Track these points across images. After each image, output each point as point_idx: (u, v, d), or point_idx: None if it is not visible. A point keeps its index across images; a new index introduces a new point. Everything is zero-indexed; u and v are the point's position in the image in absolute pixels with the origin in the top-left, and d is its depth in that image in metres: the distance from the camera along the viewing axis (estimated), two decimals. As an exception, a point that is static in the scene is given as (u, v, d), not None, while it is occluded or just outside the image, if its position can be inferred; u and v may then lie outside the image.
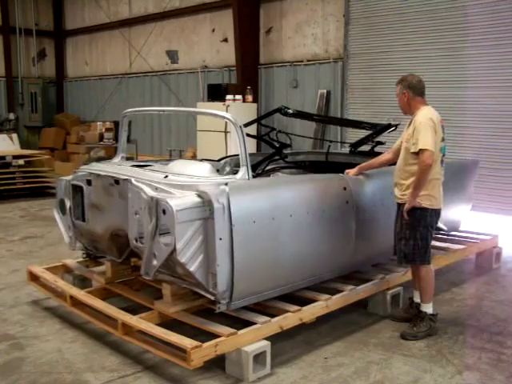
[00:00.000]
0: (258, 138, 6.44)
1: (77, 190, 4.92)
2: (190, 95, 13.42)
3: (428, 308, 4.63)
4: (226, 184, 3.95)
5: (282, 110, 6.27)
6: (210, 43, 12.97)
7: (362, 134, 9.77)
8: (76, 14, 17.45)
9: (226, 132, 10.41)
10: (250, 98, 11.08)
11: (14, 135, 13.06)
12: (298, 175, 5.81)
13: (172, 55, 14.06)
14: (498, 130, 8.15)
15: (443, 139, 4.57)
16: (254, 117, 11.17)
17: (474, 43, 8.31)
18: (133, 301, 4.76)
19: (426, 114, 4.45)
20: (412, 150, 4.42)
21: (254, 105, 11.25)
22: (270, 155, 6.20)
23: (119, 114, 5.62)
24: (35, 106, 17.45)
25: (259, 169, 6.23)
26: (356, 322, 4.87)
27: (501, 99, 8.09)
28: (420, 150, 4.33)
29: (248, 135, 4.63)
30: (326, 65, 10.62)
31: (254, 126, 11.04)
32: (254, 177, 4.46)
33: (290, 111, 6.26)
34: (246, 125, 4.23)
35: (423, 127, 4.36)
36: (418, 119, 4.46)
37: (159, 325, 4.09)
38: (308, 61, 10.96)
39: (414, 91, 4.57)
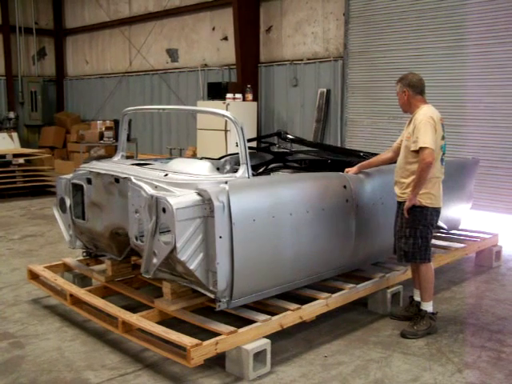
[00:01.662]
0: (260, 149, 6.51)
1: (77, 189, 4.92)
2: (190, 94, 13.41)
3: (428, 306, 4.64)
4: (226, 182, 3.96)
5: (281, 135, 6.38)
6: (210, 42, 12.96)
7: (362, 134, 9.89)
8: (76, 12, 17.44)
9: (226, 130, 10.41)
10: (250, 96, 11.07)
11: (14, 134, 13.05)
12: (298, 173, 5.81)
13: (172, 54, 14.05)
14: (499, 129, 8.14)
15: (443, 137, 4.57)
16: (254, 115, 11.21)
17: (474, 42, 8.29)
18: (133, 299, 4.76)
19: (426, 113, 4.45)
20: (412, 149, 4.43)
21: (254, 103, 11.25)
22: (269, 161, 6.23)
23: (119, 112, 5.62)
24: (35, 105, 17.44)
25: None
26: (356, 321, 4.87)
27: (501, 98, 8.08)
28: (420, 148, 4.33)
29: (250, 148, 4.66)
30: (326, 63, 10.61)
31: (254, 130, 11.13)
32: (253, 175, 4.47)
33: (289, 136, 6.38)
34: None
35: (423, 125, 4.37)
36: (418, 117, 4.46)
37: (159, 323, 4.09)
38: (308, 59, 10.95)
39: (414, 90, 4.57)
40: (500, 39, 8.00)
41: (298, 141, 6.44)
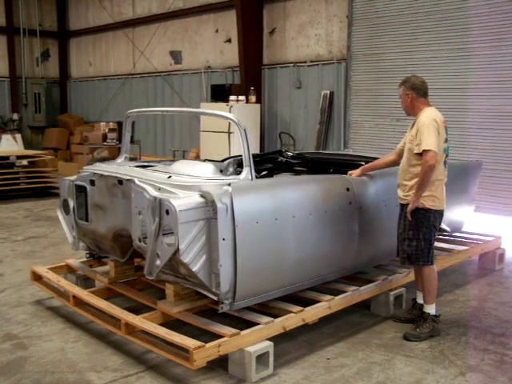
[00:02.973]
0: (262, 159, 6.57)
1: (80, 190, 4.93)
2: (193, 96, 13.43)
3: (431, 309, 4.63)
4: (229, 184, 3.96)
5: (282, 153, 6.44)
6: (213, 44, 12.98)
7: (365, 137, 9.89)
8: (80, 14, 17.49)
9: (229, 133, 10.42)
10: (253, 98, 11.08)
11: (18, 135, 13.12)
12: (301, 176, 5.81)
13: (175, 56, 14.07)
14: (502, 131, 8.13)
15: (446, 140, 4.57)
16: (257, 118, 11.23)
17: (477, 44, 8.29)
18: (136, 301, 4.77)
19: (429, 115, 4.45)
20: (415, 151, 4.43)
21: (258, 105, 11.27)
22: (270, 168, 6.26)
23: (123, 114, 5.63)
24: (39, 107, 17.48)
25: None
26: (359, 323, 4.87)
27: (504, 100, 8.07)
28: (423, 150, 4.33)
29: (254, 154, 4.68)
30: (329, 66, 10.61)
31: (258, 132, 11.13)
32: (257, 177, 4.47)
33: (290, 154, 6.45)
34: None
35: (426, 128, 4.37)
36: (421, 120, 4.46)
37: (162, 325, 4.10)
38: (311, 62, 10.95)
39: (417, 92, 4.57)
40: (504, 42, 7.99)
41: (299, 157, 6.48)
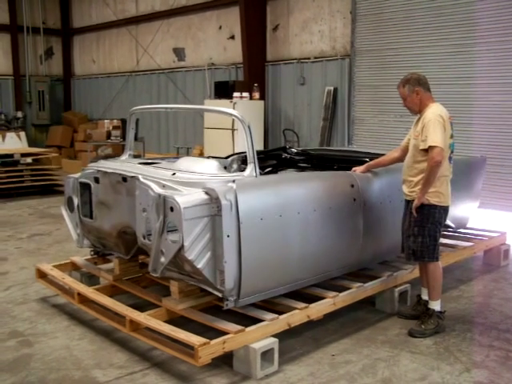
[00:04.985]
0: (267, 155, 6.56)
1: (84, 188, 4.93)
2: (197, 93, 13.42)
3: (436, 305, 4.62)
4: (234, 181, 3.95)
5: (286, 150, 6.44)
6: (216, 40, 12.96)
7: (369, 133, 9.87)
8: (83, 12, 17.48)
9: (233, 129, 10.41)
10: (256, 95, 11.07)
11: (22, 133, 13.10)
12: (305, 172, 5.80)
13: (179, 53, 14.06)
14: (506, 127, 8.10)
15: (452, 136, 4.55)
16: (261, 114, 11.22)
17: (481, 40, 8.25)
18: (140, 298, 4.77)
19: (435, 111, 4.43)
20: (421, 147, 4.41)
21: (261, 102, 11.25)
22: (276, 164, 6.24)
23: (126, 111, 5.63)
24: (43, 104, 17.49)
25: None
26: (363, 320, 4.86)
27: (509, 96, 8.03)
28: (429, 146, 4.31)
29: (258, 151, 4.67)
30: (333, 62, 10.58)
31: (261, 129, 11.14)
32: (261, 174, 4.46)
33: (294, 150, 6.45)
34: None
35: (432, 124, 4.35)
36: (427, 116, 4.44)
37: (167, 322, 4.10)
38: (315, 58, 10.92)
39: (424, 87, 4.54)
40: (509, 37, 7.95)
41: (303, 154, 6.47)
